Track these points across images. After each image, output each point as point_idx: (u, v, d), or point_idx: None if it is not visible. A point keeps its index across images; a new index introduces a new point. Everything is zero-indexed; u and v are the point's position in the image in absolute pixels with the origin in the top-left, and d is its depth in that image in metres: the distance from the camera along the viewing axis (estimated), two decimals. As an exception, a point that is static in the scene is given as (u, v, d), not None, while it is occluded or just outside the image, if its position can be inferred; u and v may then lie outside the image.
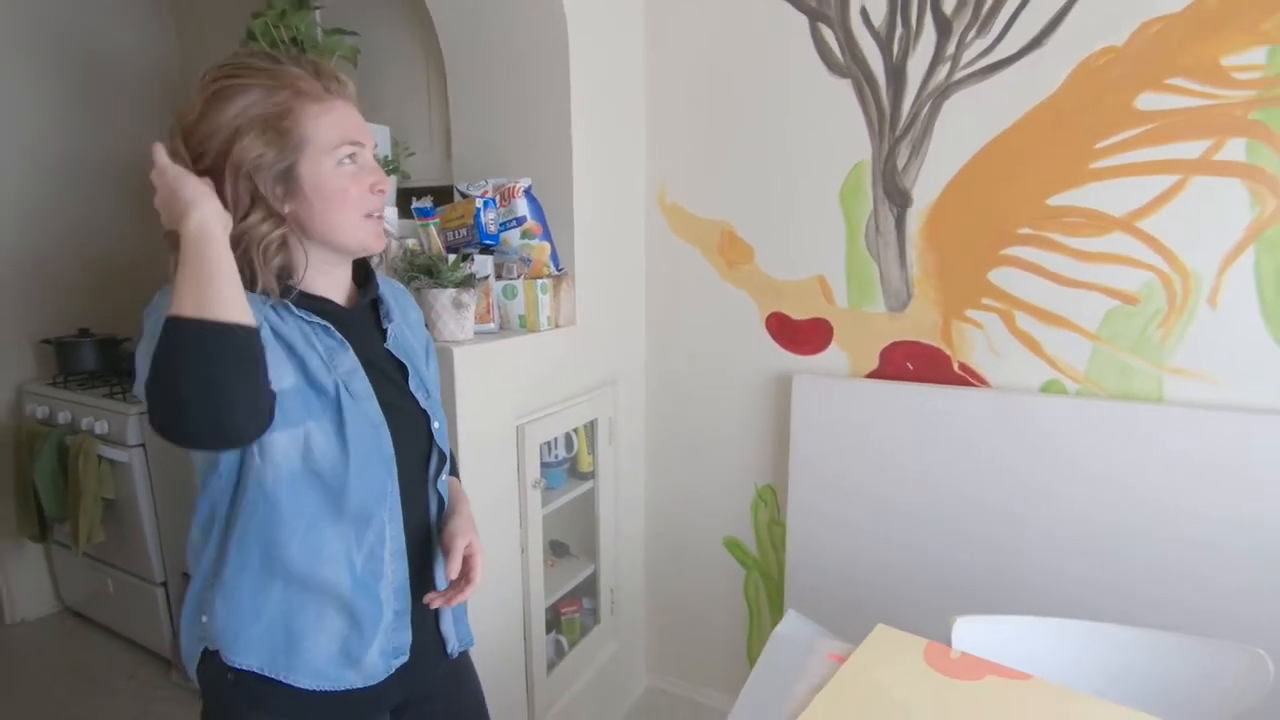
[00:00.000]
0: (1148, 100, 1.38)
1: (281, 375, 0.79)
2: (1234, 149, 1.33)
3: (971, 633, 1.12)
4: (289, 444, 0.79)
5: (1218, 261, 1.36)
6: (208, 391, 0.67)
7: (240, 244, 0.80)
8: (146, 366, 0.71)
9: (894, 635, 1.09)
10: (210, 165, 0.81)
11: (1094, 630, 1.15)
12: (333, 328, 0.86)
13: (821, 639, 1.13)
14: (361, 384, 0.86)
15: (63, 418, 2.28)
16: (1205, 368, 1.39)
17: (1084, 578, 1.49)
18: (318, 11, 1.85)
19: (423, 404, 0.94)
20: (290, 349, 0.82)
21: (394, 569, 0.89)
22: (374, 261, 0.98)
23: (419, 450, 0.94)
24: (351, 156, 0.84)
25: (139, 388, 0.73)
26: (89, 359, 2.47)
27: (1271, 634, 1.31)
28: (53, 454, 2.21)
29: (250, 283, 0.80)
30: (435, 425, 0.96)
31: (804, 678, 1.01)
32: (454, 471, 1.06)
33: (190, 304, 0.70)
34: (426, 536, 0.96)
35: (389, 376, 0.92)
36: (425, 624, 0.95)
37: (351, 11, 1.93)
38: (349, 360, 0.86)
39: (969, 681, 0.98)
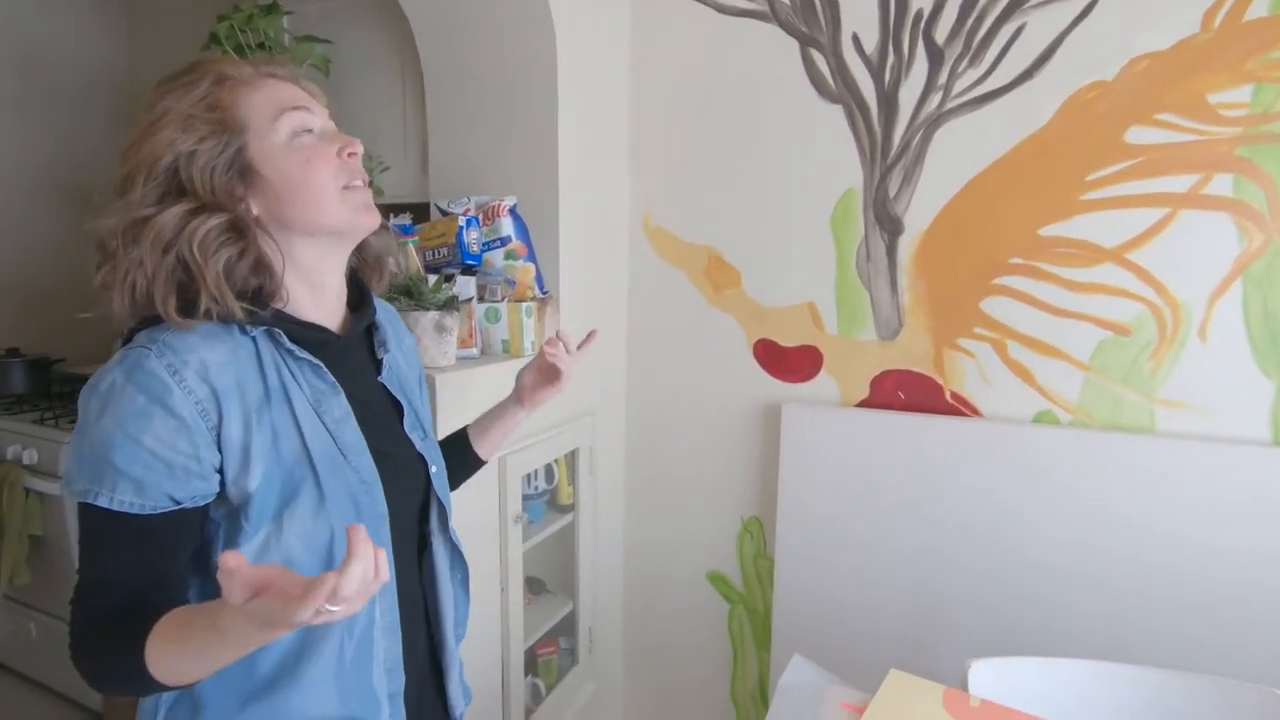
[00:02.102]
0: (1137, 134, 1.40)
1: (248, 474, 0.68)
2: (1221, 184, 1.35)
3: (987, 675, 1.08)
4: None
5: (1207, 294, 1.38)
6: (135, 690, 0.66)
7: (167, 247, 0.67)
8: (83, 486, 0.65)
9: (910, 682, 1.04)
10: (124, 181, 0.70)
11: (1103, 670, 1.13)
12: (324, 368, 0.74)
13: (832, 687, 1.06)
14: (352, 435, 0.75)
15: (-15, 445, 2.08)
16: (1196, 400, 1.40)
17: (1080, 610, 1.46)
18: (287, 17, 1.76)
19: (418, 447, 0.84)
20: (254, 418, 0.69)
21: (386, 647, 0.76)
22: (393, 268, 0.87)
23: (415, 502, 0.83)
24: (302, 126, 0.73)
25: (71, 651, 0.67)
26: (18, 381, 2.27)
27: (1267, 667, 1.31)
28: (-28, 485, 2.01)
29: (189, 304, 0.67)
30: (433, 470, 0.85)
31: (822, 732, 0.94)
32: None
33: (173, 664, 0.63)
34: (422, 604, 0.85)
35: (382, 419, 0.81)
36: (425, 693, 0.85)
37: (323, 17, 1.84)
38: (340, 407, 0.75)
39: (994, 732, 0.93)
